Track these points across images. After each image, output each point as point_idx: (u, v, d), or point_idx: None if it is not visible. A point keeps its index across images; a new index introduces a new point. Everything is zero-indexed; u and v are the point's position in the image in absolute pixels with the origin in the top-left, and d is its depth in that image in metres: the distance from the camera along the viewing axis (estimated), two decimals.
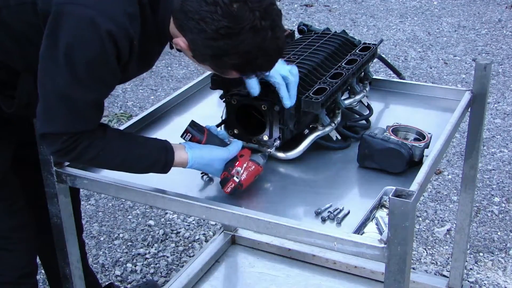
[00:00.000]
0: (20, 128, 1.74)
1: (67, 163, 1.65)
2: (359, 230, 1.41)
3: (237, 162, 1.56)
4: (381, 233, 1.39)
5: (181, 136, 1.59)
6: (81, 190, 3.16)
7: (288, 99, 1.63)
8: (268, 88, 1.67)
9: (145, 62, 1.62)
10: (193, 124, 1.61)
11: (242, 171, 1.55)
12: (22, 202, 1.81)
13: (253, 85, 1.64)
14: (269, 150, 1.68)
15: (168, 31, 1.47)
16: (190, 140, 1.59)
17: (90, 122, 1.45)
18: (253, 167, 1.57)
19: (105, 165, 1.55)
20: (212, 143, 1.59)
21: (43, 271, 2.69)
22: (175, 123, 1.96)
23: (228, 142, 1.62)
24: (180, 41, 1.42)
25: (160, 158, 1.51)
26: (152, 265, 2.73)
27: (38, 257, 2.20)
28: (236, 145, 1.60)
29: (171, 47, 1.60)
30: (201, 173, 1.65)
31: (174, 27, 1.44)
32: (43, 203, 1.73)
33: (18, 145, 1.79)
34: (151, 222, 3.01)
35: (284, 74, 1.64)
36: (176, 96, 2.08)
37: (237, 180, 1.54)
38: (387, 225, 1.29)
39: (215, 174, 1.60)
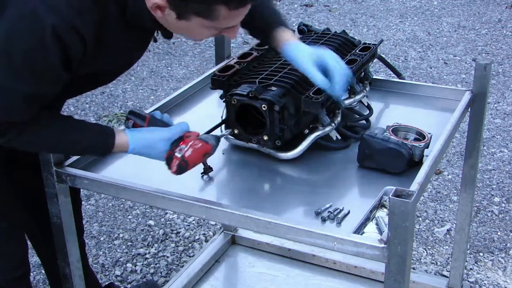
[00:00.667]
0: None
1: (67, 163, 1.65)
2: (359, 230, 1.41)
3: (182, 141, 1.51)
4: (381, 233, 1.39)
5: (124, 125, 1.58)
6: (81, 190, 3.17)
7: (340, 89, 1.65)
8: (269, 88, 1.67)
9: (119, 58, 1.58)
10: (132, 112, 1.57)
11: (186, 148, 1.49)
12: (16, 203, 1.80)
13: (318, 78, 1.64)
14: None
15: (145, 12, 1.42)
16: (132, 126, 1.56)
17: (22, 115, 1.42)
18: (200, 144, 1.51)
19: (37, 149, 1.57)
20: (155, 126, 1.56)
21: (43, 271, 2.70)
22: (175, 123, 1.96)
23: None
24: (160, 1, 1.36)
25: (97, 141, 1.50)
26: (152, 265, 2.73)
27: (39, 258, 2.21)
28: (179, 126, 1.55)
29: (155, 40, 1.57)
30: (201, 173, 1.65)
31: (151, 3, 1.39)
32: (41, 204, 1.73)
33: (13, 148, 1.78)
34: (151, 222, 3.01)
35: (337, 61, 1.66)
36: (176, 96, 2.07)
37: (179, 155, 1.48)
38: (387, 225, 1.29)
39: (159, 157, 1.53)
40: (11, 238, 1.79)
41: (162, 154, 1.51)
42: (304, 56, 1.66)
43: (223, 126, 1.77)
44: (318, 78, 1.63)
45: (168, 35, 1.55)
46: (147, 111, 1.95)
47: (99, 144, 1.51)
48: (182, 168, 1.50)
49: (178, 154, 1.48)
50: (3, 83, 1.36)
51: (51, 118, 1.51)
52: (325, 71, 1.65)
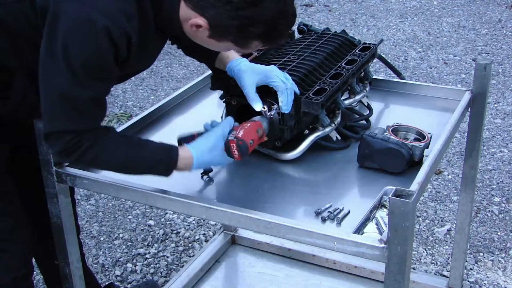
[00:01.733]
0: (16, 130, 1.73)
1: (66, 163, 1.65)
2: (359, 230, 1.41)
3: (233, 130, 1.56)
4: (381, 233, 1.39)
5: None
6: (81, 190, 3.17)
7: (287, 105, 1.64)
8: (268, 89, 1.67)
9: (145, 60, 1.62)
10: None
11: (237, 132, 1.53)
12: (18, 204, 1.80)
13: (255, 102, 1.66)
14: (270, 113, 1.66)
15: (176, 22, 1.46)
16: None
17: (92, 120, 1.45)
18: (249, 124, 1.56)
19: (107, 165, 1.53)
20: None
21: None
22: (175, 123, 1.96)
23: None
24: (199, 20, 1.41)
25: (163, 158, 1.51)
26: (152, 265, 2.73)
27: (34, 260, 2.21)
28: (226, 120, 1.59)
29: (172, 43, 1.59)
30: (201, 173, 1.65)
31: (186, 11, 1.43)
32: (41, 205, 1.73)
33: (15, 148, 1.78)
34: (151, 222, 3.01)
35: (282, 79, 1.66)
36: (176, 96, 2.08)
37: (233, 138, 1.52)
38: (387, 225, 1.29)
39: (223, 157, 1.55)
40: (15, 238, 1.80)
41: (224, 149, 1.54)
42: (247, 77, 1.67)
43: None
44: (251, 99, 1.65)
45: (185, 49, 1.61)
46: (147, 111, 1.96)
47: (164, 160, 1.51)
48: (242, 148, 1.52)
49: (231, 137, 1.52)
50: (66, 90, 1.38)
51: (119, 133, 1.55)
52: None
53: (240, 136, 1.53)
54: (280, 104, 1.64)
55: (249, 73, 1.68)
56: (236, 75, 1.70)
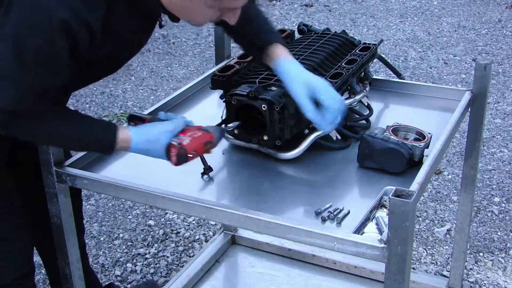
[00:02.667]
0: None
1: (67, 163, 1.65)
2: (359, 230, 1.41)
3: (182, 133, 1.51)
4: (381, 233, 1.39)
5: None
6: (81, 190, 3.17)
7: (330, 125, 1.59)
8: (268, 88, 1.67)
9: (128, 44, 1.58)
10: (132, 115, 1.59)
11: (185, 137, 1.48)
12: (19, 203, 1.80)
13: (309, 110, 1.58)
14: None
15: (150, 0, 1.43)
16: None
17: (30, 106, 1.42)
18: (200, 133, 1.50)
19: (37, 140, 1.55)
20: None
21: (43, 271, 2.69)
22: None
23: None
24: None
25: (101, 136, 1.50)
26: (152, 265, 2.73)
27: (40, 258, 2.21)
28: (181, 118, 1.56)
29: (160, 26, 1.56)
30: (201, 173, 1.65)
31: None
32: (41, 203, 1.73)
33: (14, 146, 1.78)
34: (151, 222, 3.01)
35: (333, 96, 1.58)
36: (176, 96, 2.07)
37: (176, 143, 1.47)
38: (387, 225, 1.29)
39: (162, 152, 1.51)
40: (16, 238, 1.79)
41: (164, 148, 1.50)
42: (298, 82, 1.60)
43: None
44: (309, 110, 1.58)
45: (174, 18, 1.52)
46: (147, 111, 1.95)
47: (102, 139, 1.50)
48: (181, 156, 1.48)
49: (175, 142, 1.46)
50: (13, 75, 1.36)
51: (55, 110, 1.50)
52: (316, 102, 1.59)
53: (184, 144, 1.48)
54: (322, 121, 1.57)
55: (299, 82, 1.60)
56: (285, 80, 1.64)
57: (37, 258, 2.78)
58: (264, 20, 1.75)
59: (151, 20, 1.58)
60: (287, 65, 1.65)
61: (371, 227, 1.43)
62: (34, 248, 2.15)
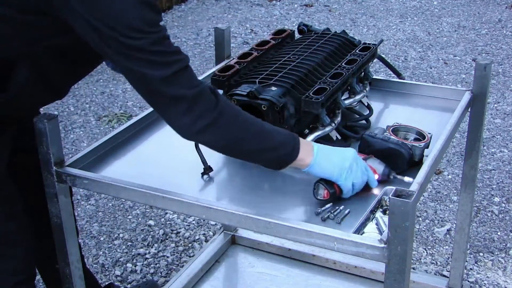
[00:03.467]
0: (16, 131, 1.72)
1: (67, 163, 1.65)
2: (359, 230, 1.41)
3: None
4: (381, 233, 1.39)
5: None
6: (81, 190, 3.17)
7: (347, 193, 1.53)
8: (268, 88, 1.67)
9: None
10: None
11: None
12: (20, 206, 1.79)
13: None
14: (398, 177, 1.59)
15: None
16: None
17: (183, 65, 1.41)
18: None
19: (233, 142, 1.44)
20: None
21: None
22: None
23: None
24: None
25: (288, 140, 1.45)
26: (152, 265, 2.73)
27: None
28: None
29: None
30: (201, 173, 1.65)
31: None
32: (40, 207, 1.73)
33: (14, 151, 1.77)
34: (151, 222, 3.01)
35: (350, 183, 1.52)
36: None
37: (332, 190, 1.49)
38: (386, 225, 1.29)
39: (342, 167, 1.46)
40: (17, 242, 1.79)
41: (340, 170, 1.46)
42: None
43: None
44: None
45: None
46: (147, 111, 1.95)
47: (289, 142, 1.45)
48: (331, 195, 1.50)
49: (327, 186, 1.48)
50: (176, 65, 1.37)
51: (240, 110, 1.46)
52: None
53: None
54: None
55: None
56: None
57: None
58: None
59: None
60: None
61: (371, 227, 1.43)
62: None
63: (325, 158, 1.49)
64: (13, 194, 1.77)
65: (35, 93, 1.48)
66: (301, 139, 1.50)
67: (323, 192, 1.49)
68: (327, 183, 1.50)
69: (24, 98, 1.57)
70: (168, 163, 1.72)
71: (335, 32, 2.07)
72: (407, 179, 1.55)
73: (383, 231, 1.38)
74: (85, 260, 2.73)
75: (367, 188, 1.55)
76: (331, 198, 1.50)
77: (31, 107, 1.54)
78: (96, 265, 2.74)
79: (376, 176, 1.56)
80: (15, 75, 1.54)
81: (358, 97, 1.92)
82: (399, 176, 1.57)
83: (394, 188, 1.29)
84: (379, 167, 1.57)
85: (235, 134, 1.43)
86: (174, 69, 1.37)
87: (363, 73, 2.00)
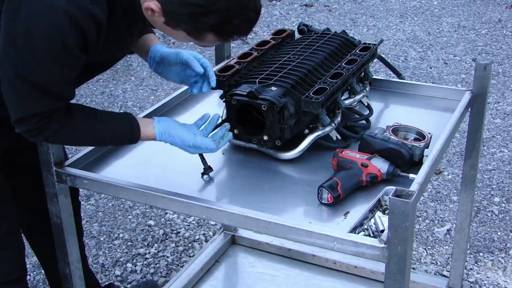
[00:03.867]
0: (9, 131, 1.72)
1: (67, 163, 1.65)
2: (356, 229, 1.41)
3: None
4: (375, 237, 1.39)
5: None
6: (81, 190, 3.17)
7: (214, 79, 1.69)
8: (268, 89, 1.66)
9: (122, 45, 1.59)
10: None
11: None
12: (12, 206, 1.79)
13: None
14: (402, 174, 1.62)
15: (136, 5, 1.43)
16: None
17: (57, 101, 1.44)
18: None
19: (73, 143, 1.61)
20: None
21: (43, 271, 2.70)
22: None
23: None
24: (152, 4, 1.37)
25: (126, 135, 1.55)
26: (152, 265, 2.73)
27: (38, 260, 2.21)
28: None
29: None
30: (201, 173, 1.65)
31: None
32: (37, 205, 1.72)
33: (7, 150, 1.77)
34: (151, 222, 3.01)
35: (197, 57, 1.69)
36: (176, 96, 2.08)
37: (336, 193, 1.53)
38: (383, 224, 1.29)
39: (190, 136, 1.58)
40: (9, 242, 1.79)
41: (188, 137, 1.57)
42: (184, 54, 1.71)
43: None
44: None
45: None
46: (147, 111, 1.95)
47: (127, 137, 1.56)
48: (334, 197, 1.53)
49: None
50: (32, 76, 1.37)
51: (80, 109, 1.54)
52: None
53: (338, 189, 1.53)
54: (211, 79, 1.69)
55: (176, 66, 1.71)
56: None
57: (36, 259, 2.78)
58: None
59: (138, 24, 1.58)
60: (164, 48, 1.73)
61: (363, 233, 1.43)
62: (33, 249, 2.15)
63: (168, 127, 1.59)
64: (5, 195, 1.76)
65: None
66: (139, 119, 1.58)
67: (327, 196, 1.51)
68: (331, 187, 1.51)
69: None
70: (168, 163, 1.72)
71: (335, 32, 2.07)
72: (412, 176, 1.55)
73: (380, 230, 1.38)
74: (87, 261, 2.74)
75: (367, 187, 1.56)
76: (335, 201, 1.50)
77: None
78: (96, 265, 2.74)
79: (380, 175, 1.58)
80: None
81: (358, 97, 1.92)
82: (403, 174, 1.58)
83: (394, 188, 1.29)
84: (384, 165, 1.57)
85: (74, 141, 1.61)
86: None
87: (363, 73, 2.00)
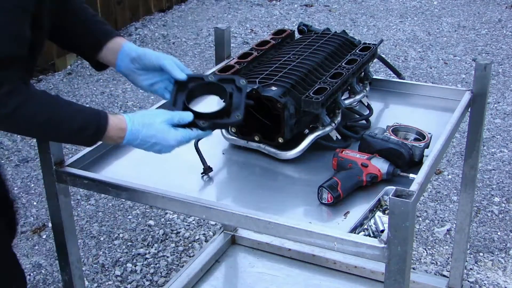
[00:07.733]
0: None
1: (67, 163, 1.65)
2: (356, 229, 1.41)
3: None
4: (375, 236, 1.39)
5: None
6: (81, 190, 3.17)
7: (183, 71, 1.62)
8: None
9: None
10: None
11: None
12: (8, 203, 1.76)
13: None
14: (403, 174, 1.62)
15: None
16: None
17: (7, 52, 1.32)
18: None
19: (28, 123, 1.38)
20: None
21: (43, 271, 2.70)
22: None
23: None
24: None
25: (92, 119, 1.43)
26: (152, 265, 2.73)
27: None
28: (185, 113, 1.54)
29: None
30: (201, 173, 1.66)
31: None
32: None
33: None
34: (151, 222, 3.01)
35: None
36: None
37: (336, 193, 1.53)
38: (383, 224, 1.29)
39: (164, 138, 1.49)
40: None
41: (163, 134, 1.49)
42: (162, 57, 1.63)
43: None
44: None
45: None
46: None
47: (93, 122, 1.43)
48: (335, 197, 1.52)
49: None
50: None
51: (41, 91, 1.42)
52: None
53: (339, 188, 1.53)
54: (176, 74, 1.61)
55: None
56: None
57: (37, 258, 2.78)
58: (95, 15, 1.69)
59: None
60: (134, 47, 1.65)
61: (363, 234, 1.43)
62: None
63: (140, 125, 1.48)
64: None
65: None
66: (112, 114, 1.46)
67: (327, 196, 1.51)
68: (331, 187, 1.51)
69: None
70: (168, 163, 1.72)
71: (335, 32, 2.07)
72: (412, 176, 1.55)
73: (381, 230, 1.38)
74: (85, 260, 2.74)
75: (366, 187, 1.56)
76: (335, 201, 1.50)
77: None
78: (96, 265, 2.74)
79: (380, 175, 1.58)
80: None
81: (358, 97, 1.92)
82: (404, 174, 1.58)
83: (394, 188, 1.29)
84: (384, 165, 1.57)
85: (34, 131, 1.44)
86: None
87: (363, 73, 2.00)
